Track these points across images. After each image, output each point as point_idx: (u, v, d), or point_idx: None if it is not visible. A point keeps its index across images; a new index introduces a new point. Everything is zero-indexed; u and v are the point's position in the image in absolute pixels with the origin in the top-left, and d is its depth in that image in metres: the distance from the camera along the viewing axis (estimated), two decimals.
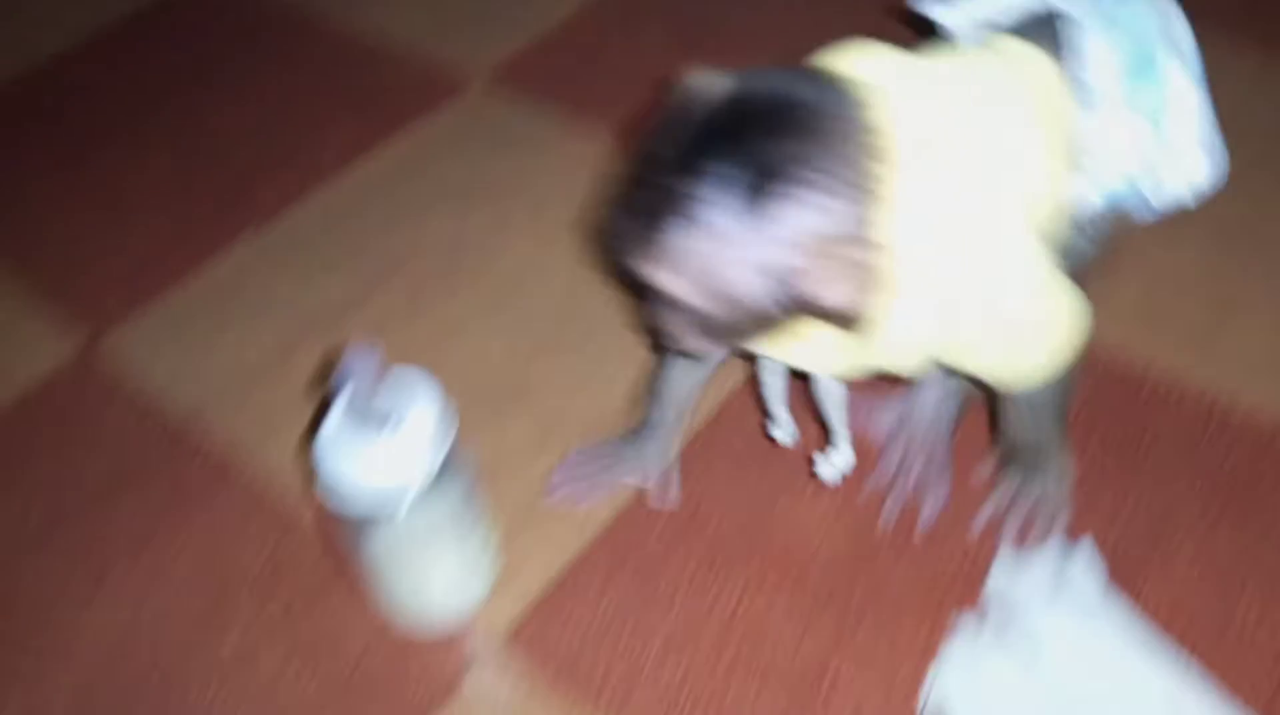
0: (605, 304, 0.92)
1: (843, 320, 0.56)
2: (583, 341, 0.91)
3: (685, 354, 0.67)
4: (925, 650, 0.70)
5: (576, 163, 1.05)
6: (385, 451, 0.63)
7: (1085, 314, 0.64)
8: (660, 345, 0.72)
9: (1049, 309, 0.63)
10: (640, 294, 0.59)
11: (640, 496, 0.80)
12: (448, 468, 0.66)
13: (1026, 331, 0.63)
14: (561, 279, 0.95)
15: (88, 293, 0.99)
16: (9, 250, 1.04)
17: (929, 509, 0.76)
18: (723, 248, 0.52)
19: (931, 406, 0.79)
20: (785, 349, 0.62)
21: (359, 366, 0.62)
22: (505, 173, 1.06)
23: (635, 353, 0.88)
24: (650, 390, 0.79)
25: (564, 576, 0.76)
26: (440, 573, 0.71)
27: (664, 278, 0.55)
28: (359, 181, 1.07)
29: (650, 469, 0.80)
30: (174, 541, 0.80)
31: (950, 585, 0.73)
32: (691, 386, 0.78)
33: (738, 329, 0.57)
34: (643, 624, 0.73)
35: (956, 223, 0.58)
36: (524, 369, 0.89)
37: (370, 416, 0.63)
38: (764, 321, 0.56)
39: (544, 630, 0.73)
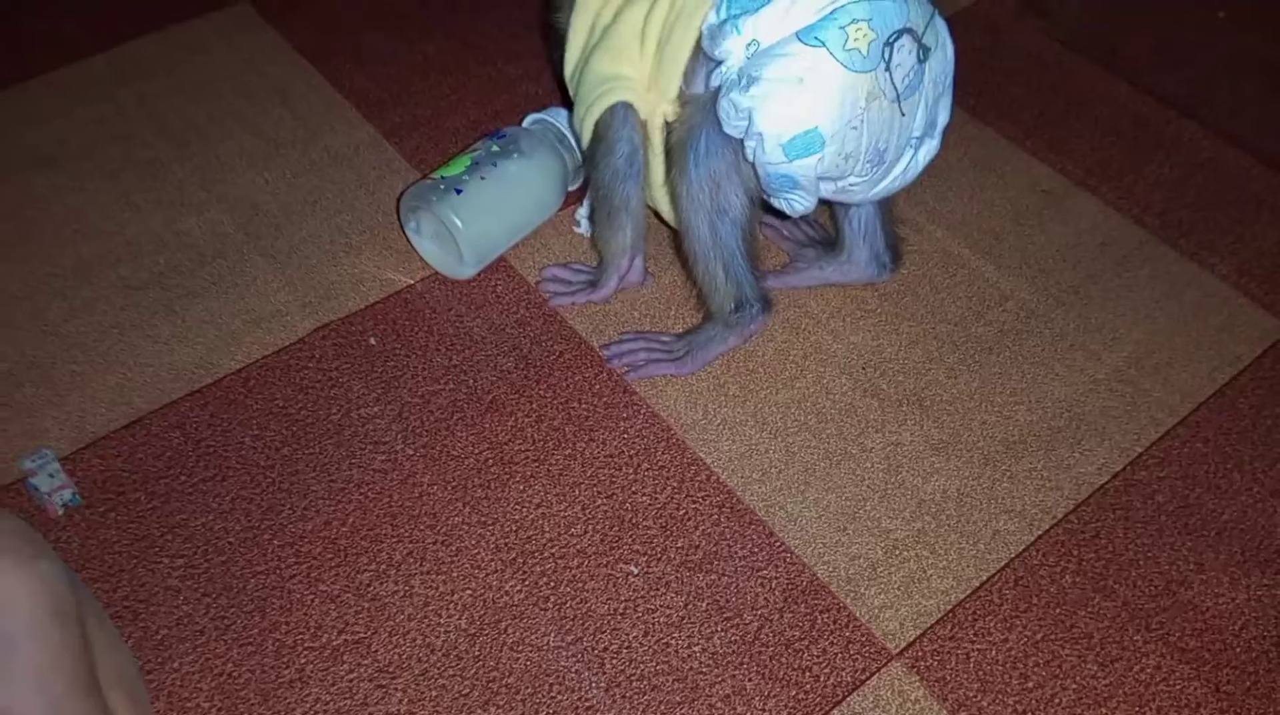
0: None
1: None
2: None
3: None
4: None
5: None
6: None
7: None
8: None
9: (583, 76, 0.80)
10: None
11: (1050, 533, 0.76)
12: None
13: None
14: None
15: None
16: None
17: None
18: None
19: None
20: None
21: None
22: None
23: None
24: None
25: (966, 603, 0.72)
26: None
27: None
28: None
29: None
30: (575, 460, 0.78)
31: None
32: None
33: None
34: (1050, 673, 0.69)
35: None
36: None
37: None
38: None
39: (944, 658, 0.70)
